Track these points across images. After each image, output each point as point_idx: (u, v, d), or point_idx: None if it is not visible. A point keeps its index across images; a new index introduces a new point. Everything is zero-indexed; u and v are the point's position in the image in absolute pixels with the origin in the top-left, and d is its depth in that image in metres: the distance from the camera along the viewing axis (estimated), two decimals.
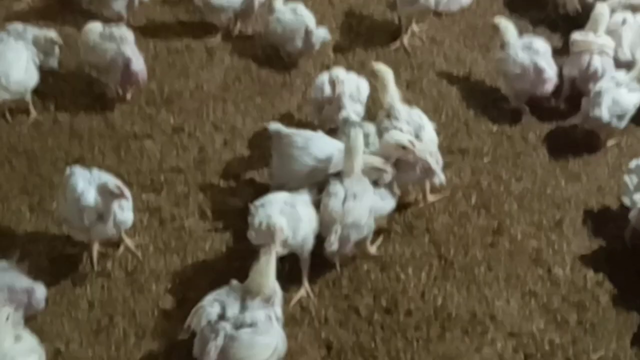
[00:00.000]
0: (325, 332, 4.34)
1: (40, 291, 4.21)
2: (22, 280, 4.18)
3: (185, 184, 5.13)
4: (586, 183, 5.32)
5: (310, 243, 4.47)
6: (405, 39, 6.30)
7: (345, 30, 6.43)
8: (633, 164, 5.01)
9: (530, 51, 5.67)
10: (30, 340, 3.93)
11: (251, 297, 3.93)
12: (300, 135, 4.79)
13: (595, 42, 5.67)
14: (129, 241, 4.72)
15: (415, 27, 6.41)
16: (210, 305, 3.92)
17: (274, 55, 6.15)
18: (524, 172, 5.34)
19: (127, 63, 5.53)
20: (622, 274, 4.72)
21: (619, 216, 5.00)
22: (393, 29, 6.43)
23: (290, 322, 4.33)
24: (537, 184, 5.27)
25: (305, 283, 4.52)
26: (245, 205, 4.64)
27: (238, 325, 3.86)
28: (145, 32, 6.28)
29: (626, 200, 4.90)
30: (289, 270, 4.49)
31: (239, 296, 3.95)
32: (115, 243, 4.68)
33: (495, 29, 5.86)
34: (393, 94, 5.04)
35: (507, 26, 5.83)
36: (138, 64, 5.60)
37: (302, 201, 4.50)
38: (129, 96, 5.69)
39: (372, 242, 4.73)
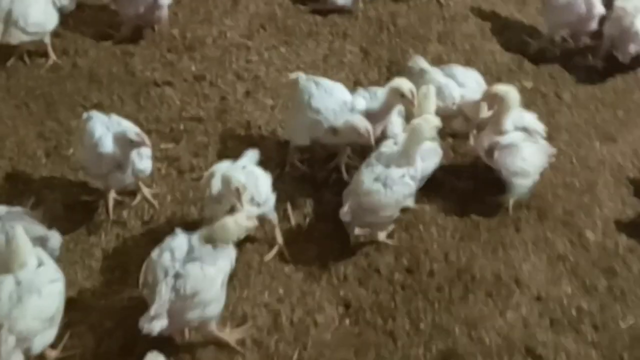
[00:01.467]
0: (343, 290, 4.21)
1: (55, 239, 4.09)
2: (36, 228, 4.05)
3: (205, 134, 4.97)
4: (622, 145, 5.10)
5: (272, 199, 4.27)
6: None
7: None
8: None
9: None
10: (52, 266, 3.79)
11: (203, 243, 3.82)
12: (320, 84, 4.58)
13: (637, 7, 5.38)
14: (146, 190, 4.59)
15: None
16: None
17: (302, 2, 5.94)
18: (557, 132, 5.11)
19: None
20: None
21: None
22: None
23: (308, 278, 4.22)
24: (571, 144, 5.06)
25: (279, 239, 4.38)
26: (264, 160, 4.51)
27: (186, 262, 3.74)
28: None
29: None
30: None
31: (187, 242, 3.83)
32: (133, 192, 4.55)
33: None
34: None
35: None
36: None
37: (251, 161, 4.32)
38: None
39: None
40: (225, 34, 5.67)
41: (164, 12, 5.47)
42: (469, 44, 5.70)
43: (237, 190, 3.97)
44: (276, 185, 4.58)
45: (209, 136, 4.97)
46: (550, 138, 5.01)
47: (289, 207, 4.58)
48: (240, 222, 3.87)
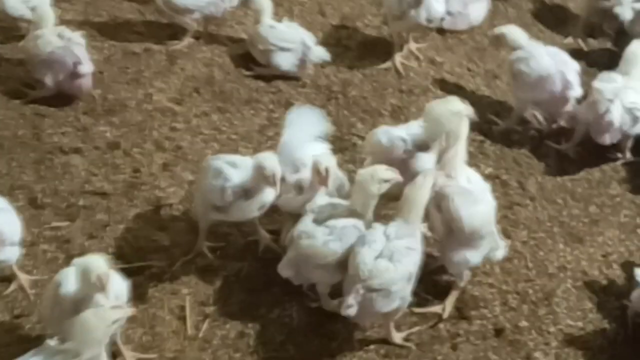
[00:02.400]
0: None
1: None
2: None
3: (106, 212, 4.34)
4: (590, 248, 4.38)
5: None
6: (398, 59, 5.42)
7: (333, 43, 5.55)
8: None
9: (557, 59, 4.81)
10: None
11: None
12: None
13: (619, 88, 4.67)
14: (22, 277, 3.96)
15: (412, 45, 5.53)
16: None
17: (246, 66, 5.34)
18: (514, 228, 4.42)
19: (76, 62, 4.84)
20: None
21: (625, 293, 4.08)
22: (388, 47, 5.56)
23: None
24: (529, 244, 4.35)
25: None
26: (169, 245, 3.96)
27: None
28: (104, 29, 5.52)
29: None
30: None
31: None
32: (7, 278, 3.95)
33: (500, 39, 4.94)
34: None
35: (516, 32, 4.94)
36: (86, 67, 4.90)
37: None
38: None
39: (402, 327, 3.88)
40: (151, 97, 5.05)
41: (87, 81, 4.92)
42: None
43: (99, 278, 3.32)
44: (178, 277, 4.02)
45: (110, 215, 4.33)
46: (504, 235, 4.36)
47: (187, 304, 3.96)
48: (105, 316, 3.20)
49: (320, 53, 5.28)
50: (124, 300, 3.47)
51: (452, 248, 3.85)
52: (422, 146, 4.09)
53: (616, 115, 4.60)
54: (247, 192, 3.88)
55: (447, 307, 3.99)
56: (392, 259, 3.57)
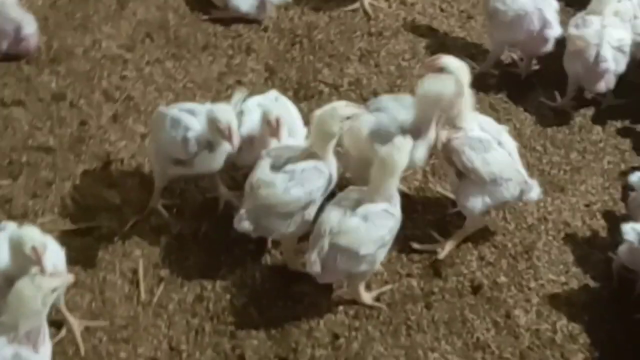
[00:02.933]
0: None
1: None
2: None
3: (51, 168, 4.00)
4: (571, 197, 4.11)
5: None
6: None
7: None
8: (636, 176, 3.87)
9: None
10: None
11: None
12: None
13: (601, 30, 4.33)
14: None
15: None
16: None
17: (202, 9, 4.92)
18: None
19: (16, 27, 4.46)
20: (606, 324, 3.59)
21: (609, 245, 3.85)
22: None
23: None
24: None
25: None
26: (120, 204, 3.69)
27: None
28: None
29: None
30: None
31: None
32: None
33: None
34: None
35: None
36: (28, 28, 4.51)
37: None
38: None
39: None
40: (100, 44, 4.66)
41: (33, 39, 4.52)
42: (395, 65, 4.69)
43: (35, 250, 3.00)
44: (129, 238, 3.72)
45: (55, 171, 4.00)
46: None
47: (140, 267, 3.66)
48: (42, 284, 2.91)
49: None
50: (62, 268, 3.16)
51: (467, 193, 3.66)
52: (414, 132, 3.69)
53: (609, 59, 4.29)
54: (211, 143, 3.58)
55: (446, 247, 3.77)
56: (366, 219, 3.31)
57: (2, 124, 4.21)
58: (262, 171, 3.43)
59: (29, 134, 4.18)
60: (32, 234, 3.02)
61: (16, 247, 3.01)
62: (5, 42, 4.52)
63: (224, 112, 3.49)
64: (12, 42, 4.53)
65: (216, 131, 3.48)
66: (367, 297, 3.58)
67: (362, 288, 3.54)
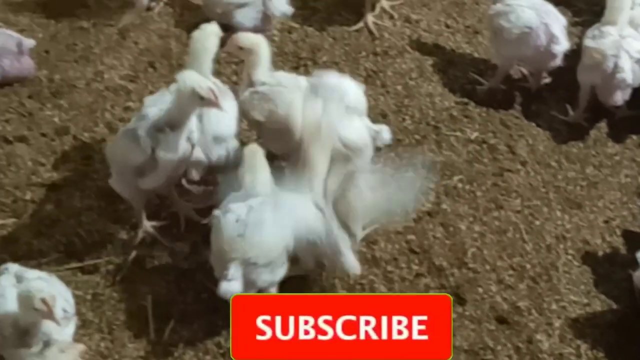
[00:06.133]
0: None
1: None
2: None
3: (56, 206, 3.92)
4: (590, 213, 4.02)
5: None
6: (370, 18, 4.96)
7: (299, 5, 5.01)
8: None
9: (540, 12, 4.39)
10: None
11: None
12: None
13: (618, 40, 4.24)
14: None
15: (385, 2, 5.07)
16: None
17: None
18: (506, 196, 4.06)
19: (18, 41, 4.45)
20: (633, 345, 3.46)
21: (631, 262, 3.71)
22: (359, 6, 5.07)
23: None
24: (523, 213, 3.98)
25: None
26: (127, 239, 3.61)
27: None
28: (49, 4, 4.99)
29: None
30: None
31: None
32: None
33: None
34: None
35: None
36: (28, 41, 4.51)
37: None
38: None
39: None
40: (102, 75, 4.58)
41: (30, 59, 4.50)
42: (402, 84, 4.60)
43: (45, 302, 2.90)
44: (137, 274, 3.65)
45: (60, 208, 3.91)
46: (497, 205, 4.01)
47: (148, 305, 3.56)
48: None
49: (282, 6, 4.81)
50: (72, 312, 3.08)
51: None
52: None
53: (627, 70, 4.19)
54: (171, 125, 3.47)
55: None
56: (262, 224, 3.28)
57: (5, 161, 4.12)
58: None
59: (33, 171, 4.09)
60: (40, 285, 2.94)
61: (25, 300, 2.92)
62: (8, 60, 4.46)
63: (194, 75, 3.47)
64: (14, 60, 4.46)
65: (197, 100, 3.41)
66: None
67: None
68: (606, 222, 4.00)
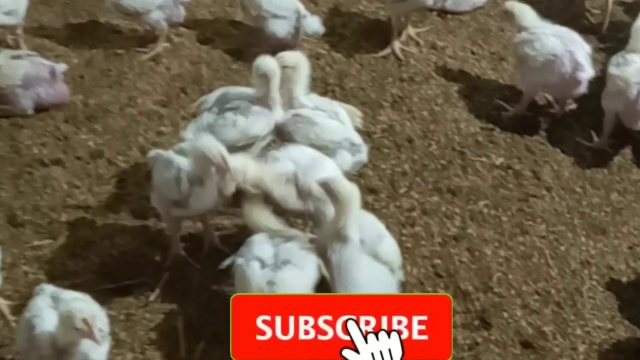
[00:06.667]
0: None
1: None
2: None
3: (91, 228, 4.03)
4: (614, 239, 4.06)
5: None
6: (397, 45, 5.07)
7: (327, 32, 5.17)
8: None
9: (565, 39, 4.47)
10: None
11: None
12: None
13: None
14: (2, 303, 3.65)
15: (412, 30, 5.19)
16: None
17: (233, 61, 5.00)
18: (531, 221, 4.11)
19: (51, 68, 4.60)
20: None
21: None
22: (386, 33, 5.19)
23: None
24: (548, 239, 4.03)
25: None
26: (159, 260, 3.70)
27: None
28: (84, 31, 5.20)
29: None
30: None
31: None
32: None
33: (509, 15, 4.67)
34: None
35: (524, 9, 4.63)
36: (60, 66, 4.66)
37: None
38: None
39: None
40: (135, 100, 4.72)
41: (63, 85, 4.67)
42: (428, 110, 4.70)
43: (86, 322, 2.99)
44: (168, 295, 3.73)
45: (94, 230, 4.02)
46: (521, 230, 4.07)
47: (180, 325, 3.64)
48: None
49: (315, 25, 5.02)
50: (106, 331, 3.17)
51: None
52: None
53: None
54: (200, 179, 3.57)
55: None
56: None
57: (42, 184, 4.25)
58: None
59: (68, 193, 4.21)
60: (81, 306, 3.04)
61: (66, 320, 3.01)
62: (42, 88, 4.60)
63: (210, 144, 3.52)
64: (48, 87, 4.60)
65: (206, 164, 3.50)
66: None
67: None
68: (630, 248, 4.04)
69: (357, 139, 3.95)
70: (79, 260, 3.90)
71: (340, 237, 3.37)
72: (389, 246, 3.47)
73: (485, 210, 4.17)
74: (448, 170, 4.36)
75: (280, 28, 4.95)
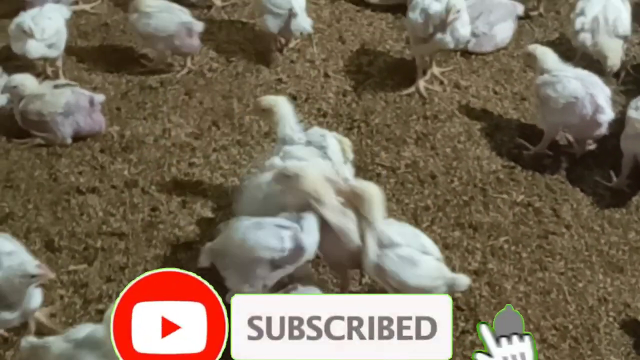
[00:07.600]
0: None
1: None
2: None
3: (124, 253, 4.19)
4: (631, 277, 4.14)
5: None
6: (422, 83, 5.24)
7: (354, 70, 5.41)
8: None
9: (586, 82, 4.60)
10: None
11: None
12: None
13: None
14: (43, 318, 3.83)
15: (436, 69, 5.36)
16: None
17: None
18: (550, 258, 4.21)
19: (90, 98, 4.83)
20: None
21: None
22: (411, 72, 5.38)
23: None
24: (566, 275, 4.13)
25: None
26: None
27: None
28: (120, 64, 5.43)
29: None
30: None
31: None
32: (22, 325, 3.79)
33: (531, 58, 4.81)
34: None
35: (546, 52, 4.78)
36: (99, 97, 4.89)
37: None
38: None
39: None
40: (169, 132, 4.92)
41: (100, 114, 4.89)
42: (451, 147, 4.85)
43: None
44: None
45: (128, 256, 4.19)
46: (540, 266, 4.18)
47: None
48: None
49: (304, 23, 5.34)
50: None
51: None
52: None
53: None
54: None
55: None
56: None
57: (78, 211, 4.44)
58: None
59: (103, 220, 4.39)
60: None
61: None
62: (82, 116, 4.81)
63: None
64: (87, 116, 4.81)
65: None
66: None
67: None
68: None
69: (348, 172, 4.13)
70: (113, 285, 4.05)
71: (382, 241, 3.60)
72: (428, 241, 3.75)
73: (505, 246, 4.29)
74: (470, 206, 4.49)
75: (272, 24, 5.34)
